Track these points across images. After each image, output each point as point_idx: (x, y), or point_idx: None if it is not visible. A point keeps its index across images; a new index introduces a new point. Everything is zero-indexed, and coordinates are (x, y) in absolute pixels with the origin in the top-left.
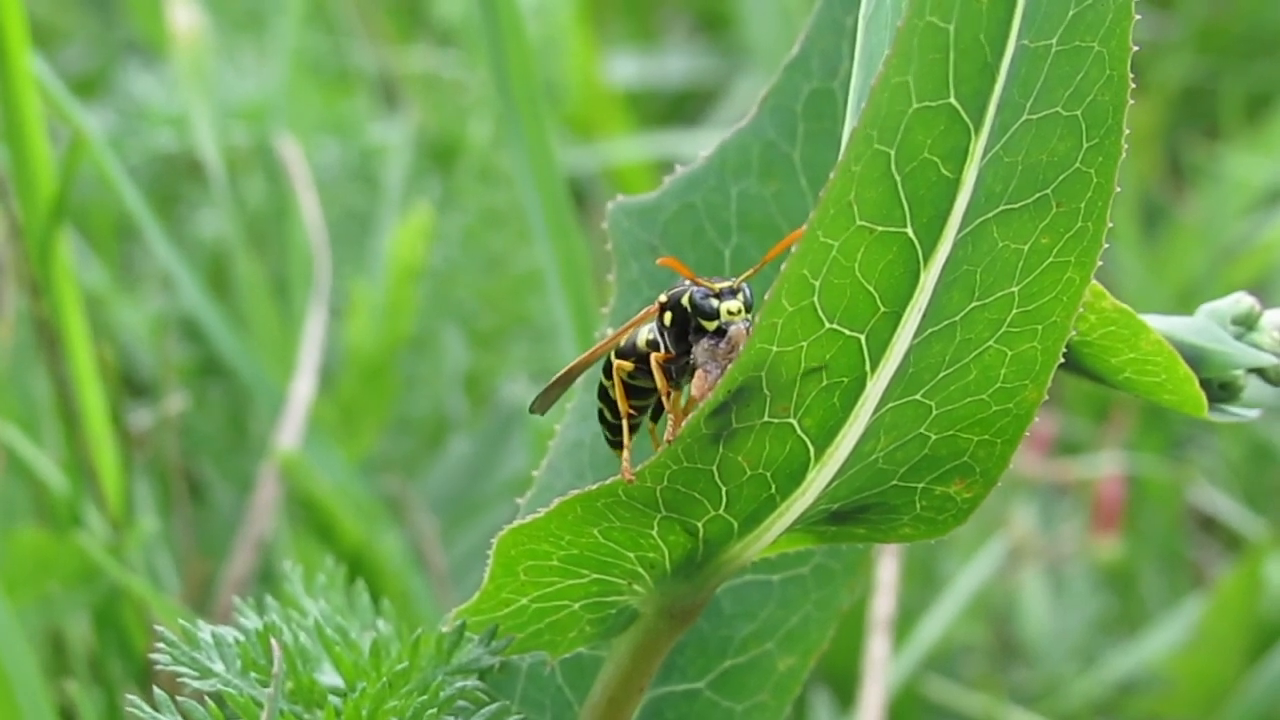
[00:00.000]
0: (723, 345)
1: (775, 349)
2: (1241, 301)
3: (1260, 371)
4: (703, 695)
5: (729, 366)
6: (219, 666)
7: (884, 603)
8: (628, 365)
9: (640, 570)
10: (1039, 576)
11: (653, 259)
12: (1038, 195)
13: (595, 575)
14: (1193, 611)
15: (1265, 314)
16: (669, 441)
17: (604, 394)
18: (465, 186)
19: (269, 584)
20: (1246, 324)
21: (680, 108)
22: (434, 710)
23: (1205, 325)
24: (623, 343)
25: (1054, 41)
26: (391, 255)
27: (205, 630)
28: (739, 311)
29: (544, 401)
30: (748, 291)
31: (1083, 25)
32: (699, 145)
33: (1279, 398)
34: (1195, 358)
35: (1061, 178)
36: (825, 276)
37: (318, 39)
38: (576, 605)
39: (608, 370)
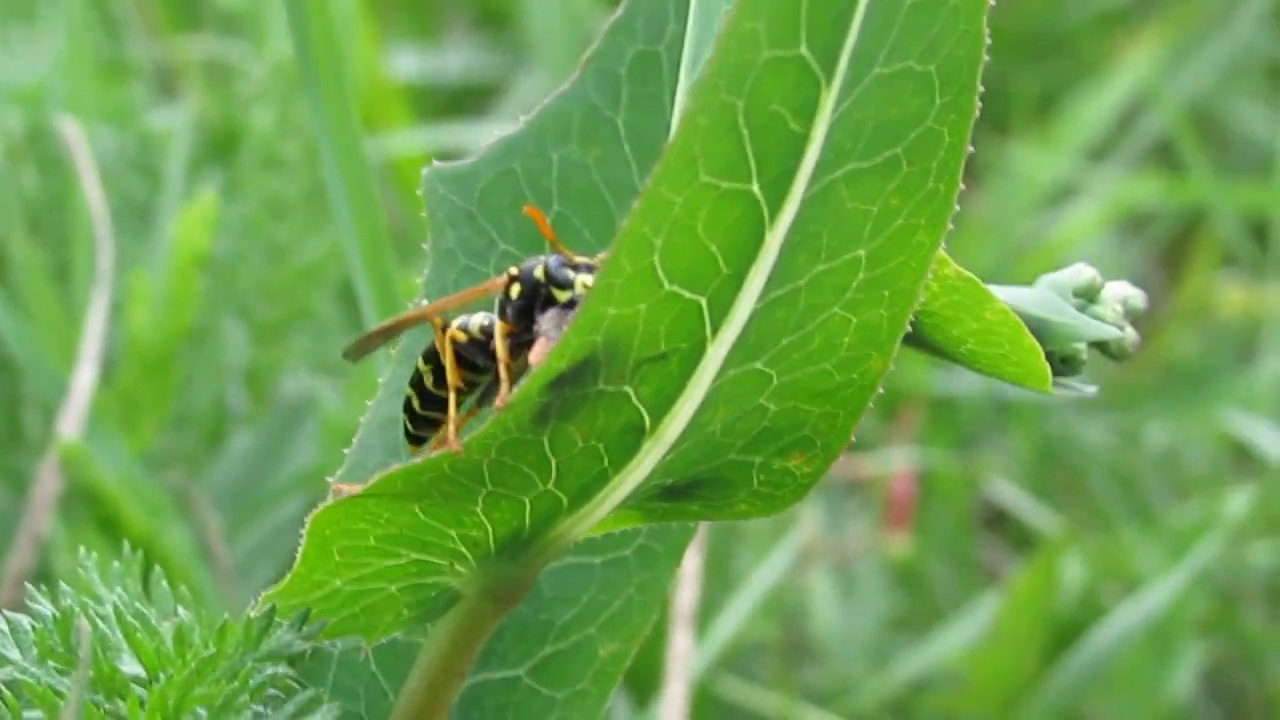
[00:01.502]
0: (571, 315)
1: (613, 311)
2: (1083, 273)
3: (1101, 345)
4: (522, 683)
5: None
6: (14, 654)
7: (686, 596)
8: (462, 336)
9: (463, 550)
10: (828, 575)
11: (469, 227)
12: (888, 154)
13: (414, 555)
14: (986, 608)
15: (1106, 286)
16: (499, 409)
17: (417, 380)
18: (247, 175)
19: (49, 582)
20: (1088, 296)
21: (461, 103)
22: (245, 697)
23: (1047, 296)
24: (452, 317)
25: None
26: (175, 242)
27: None
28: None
29: (359, 349)
30: None
31: None
32: (479, 138)
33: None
34: (1038, 330)
35: (913, 136)
36: (667, 235)
37: (93, 26)
38: (394, 587)
39: (427, 355)
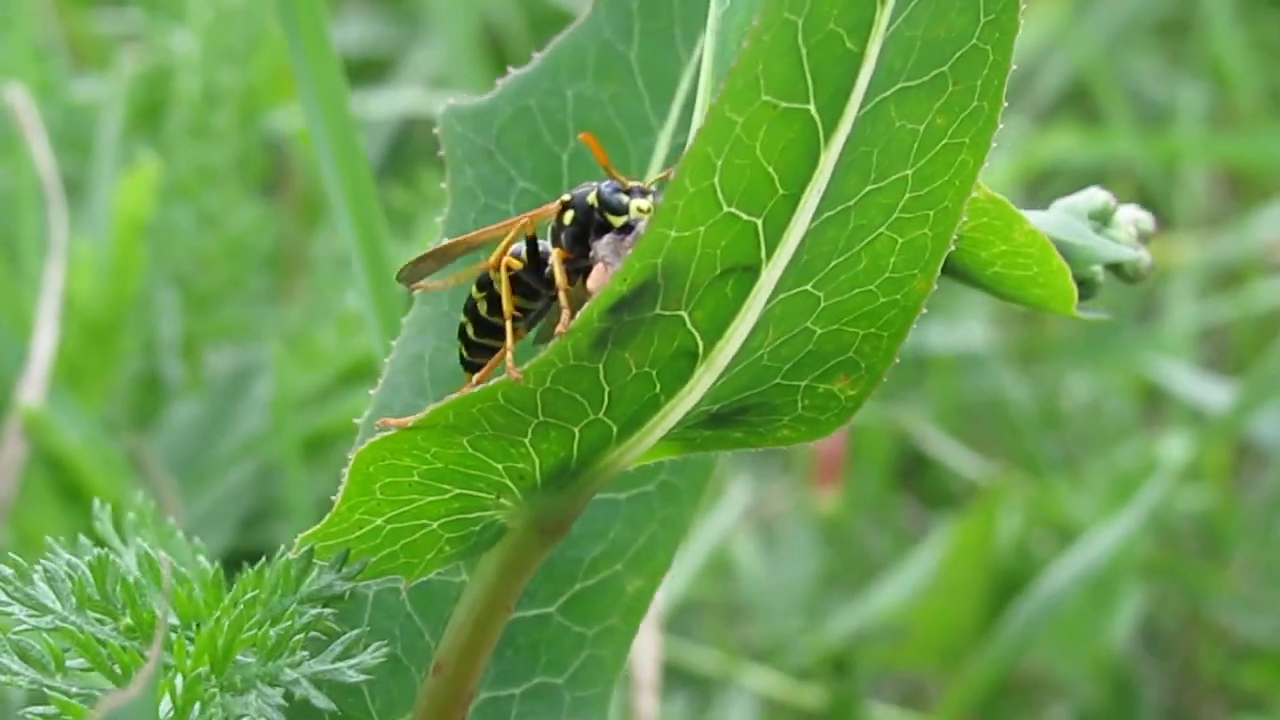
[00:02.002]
0: (629, 239)
1: (673, 234)
2: (1096, 197)
3: (1116, 268)
4: (554, 620)
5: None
6: (54, 603)
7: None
8: (516, 263)
9: (508, 482)
10: (756, 534)
11: (488, 164)
12: (935, 73)
13: (458, 490)
14: (921, 562)
15: (1120, 209)
16: (560, 335)
17: (471, 307)
18: (176, 142)
19: (22, 551)
20: (1103, 219)
21: (359, 75)
22: (298, 638)
23: (1065, 219)
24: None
25: None
26: (117, 211)
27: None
28: (648, 210)
29: (414, 272)
30: (658, 194)
31: None
32: (380, 108)
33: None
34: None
35: (958, 54)
36: (727, 156)
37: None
38: (436, 524)
39: (481, 283)
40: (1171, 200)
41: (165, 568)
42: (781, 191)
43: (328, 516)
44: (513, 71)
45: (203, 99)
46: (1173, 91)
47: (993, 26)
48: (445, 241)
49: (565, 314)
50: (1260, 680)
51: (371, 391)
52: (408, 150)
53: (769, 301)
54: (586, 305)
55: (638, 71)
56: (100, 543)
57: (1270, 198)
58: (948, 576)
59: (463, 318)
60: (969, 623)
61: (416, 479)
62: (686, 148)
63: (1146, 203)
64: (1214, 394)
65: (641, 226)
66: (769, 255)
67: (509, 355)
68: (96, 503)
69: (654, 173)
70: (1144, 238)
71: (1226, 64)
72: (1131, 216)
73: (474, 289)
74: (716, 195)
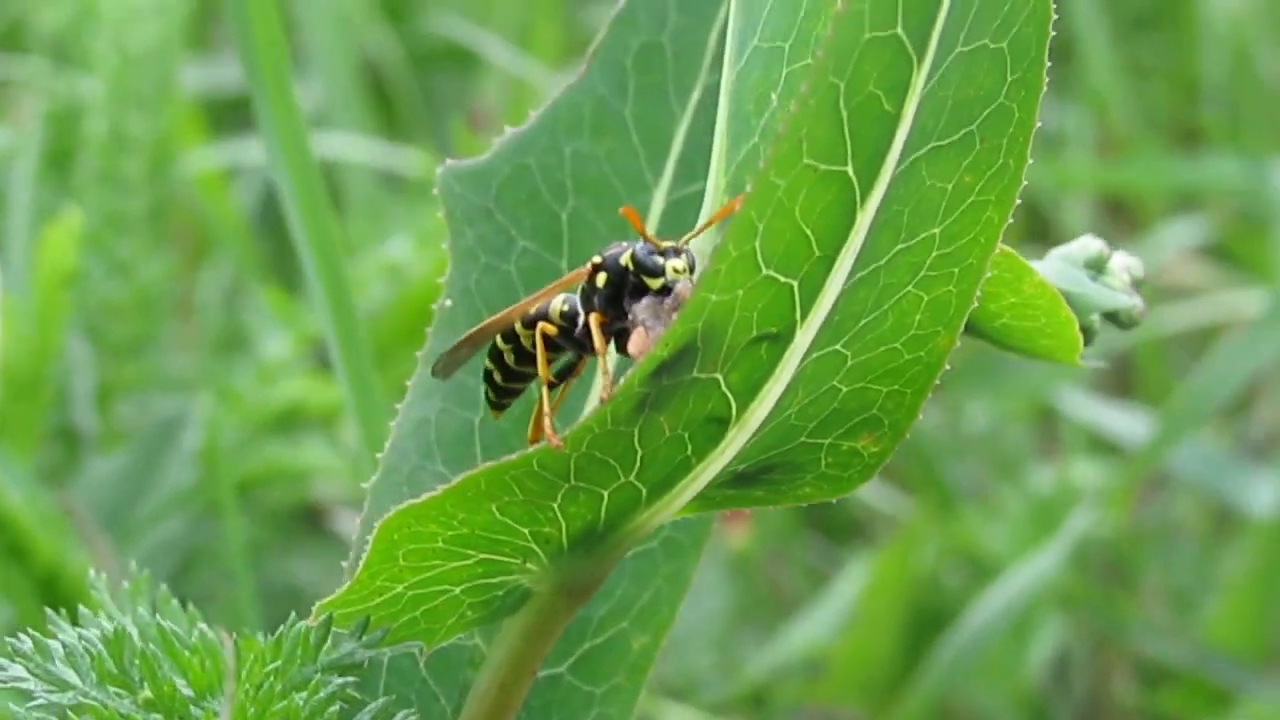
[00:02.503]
0: (668, 302)
1: (714, 298)
2: (1090, 245)
3: (1112, 315)
4: (564, 680)
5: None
6: (74, 678)
7: None
8: (553, 329)
9: (534, 547)
10: None
11: (488, 224)
12: (964, 131)
13: (482, 555)
14: (838, 595)
15: (1113, 257)
16: (603, 401)
17: (497, 356)
18: (85, 190)
19: None
20: (1097, 267)
21: (236, 115)
22: (334, 709)
23: (1064, 268)
24: (533, 310)
25: None
26: (41, 261)
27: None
28: (684, 270)
29: (449, 364)
30: (691, 253)
31: None
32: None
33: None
34: None
35: (986, 113)
36: (769, 220)
37: None
38: (458, 589)
39: (507, 336)
40: (1061, 225)
41: (227, 643)
42: (818, 253)
43: (347, 584)
44: (510, 130)
45: (112, 146)
46: (1058, 118)
47: (1019, 85)
48: (476, 327)
49: (606, 379)
50: (1175, 704)
51: (379, 455)
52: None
53: (801, 362)
54: (629, 370)
55: (633, 128)
56: (100, 611)
57: (1151, 221)
58: (866, 610)
59: (488, 364)
60: (888, 656)
61: (441, 545)
62: (737, 210)
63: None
64: (1116, 420)
65: (680, 287)
66: (804, 317)
67: (546, 421)
68: (92, 572)
69: (651, 229)
70: (1136, 284)
71: (1103, 89)
72: (1123, 263)
73: (499, 340)
74: (756, 258)
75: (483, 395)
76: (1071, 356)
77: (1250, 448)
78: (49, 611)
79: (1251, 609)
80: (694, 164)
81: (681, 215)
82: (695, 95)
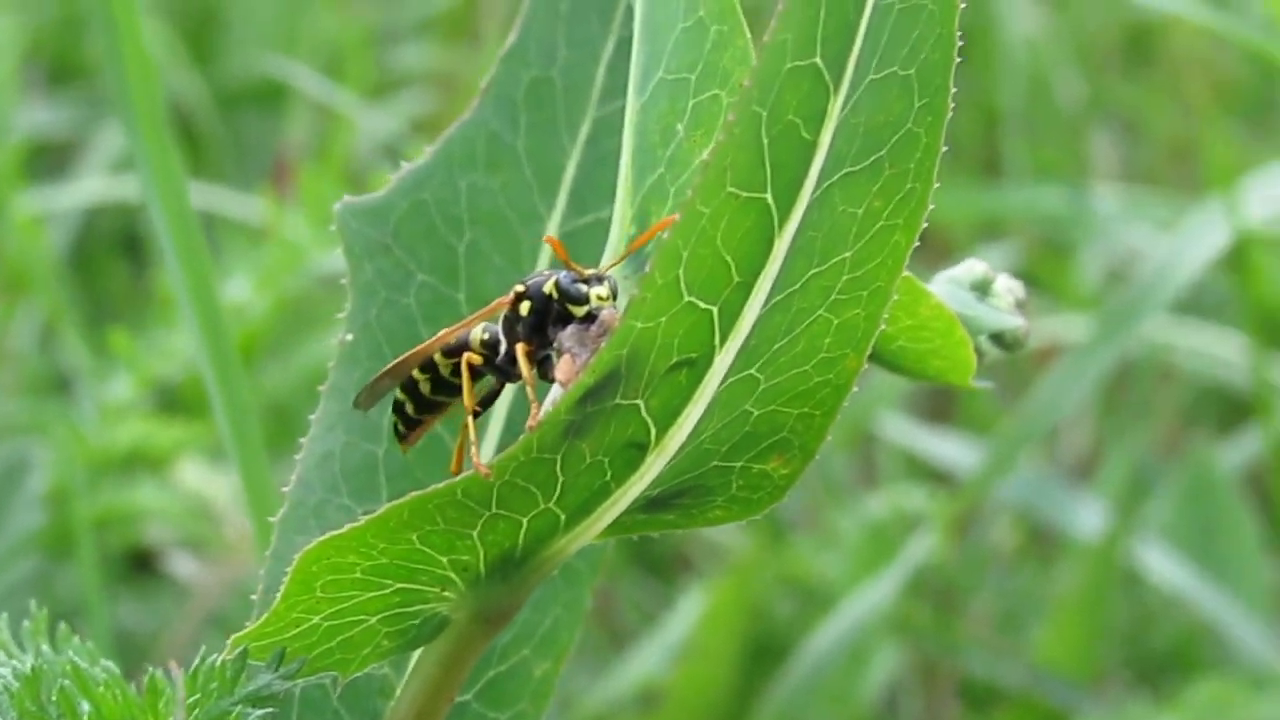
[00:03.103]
0: (593, 329)
1: (639, 325)
2: (975, 268)
3: (998, 336)
4: (471, 707)
5: (599, 349)
6: None
7: None
8: (478, 359)
9: (452, 575)
10: None
11: (386, 259)
12: (874, 158)
13: (399, 585)
14: (673, 629)
15: (998, 279)
16: (530, 429)
17: (411, 387)
18: None
19: None
20: (982, 290)
21: (41, 161)
22: None
23: (952, 290)
24: (453, 340)
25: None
26: None
27: None
28: (608, 297)
29: (370, 396)
30: (613, 280)
31: None
32: (67, 199)
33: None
34: None
35: (895, 139)
36: (693, 247)
37: None
38: (374, 619)
39: (424, 366)
40: None
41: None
42: (737, 279)
43: (263, 617)
44: (406, 165)
45: None
46: None
47: (925, 110)
48: (397, 359)
49: (535, 407)
50: None
51: (284, 489)
52: (96, 238)
53: (718, 387)
54: (559, 398)
55: (525, 161)
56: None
57: (958, 249)
58: (701, 641)
59: (400, 395)
60: (724, 687)
61: (359, 575)
62: (663, 239)
63: None
64: (937, 446)
65: (605, 314)
66: (722, 342)
67: (475, 450)
68: None
69: (543, 261)
70: (1020, 305)
71: None
72: (1007, 285)
73: (415, 371)
74: (680, 285)
75: (389, 427)
76: (964, 378)
77: (1063, 471)
78: None
79: (1080, 630)
80: (584, 197)
81: (574, 246)
82: (585, 129)
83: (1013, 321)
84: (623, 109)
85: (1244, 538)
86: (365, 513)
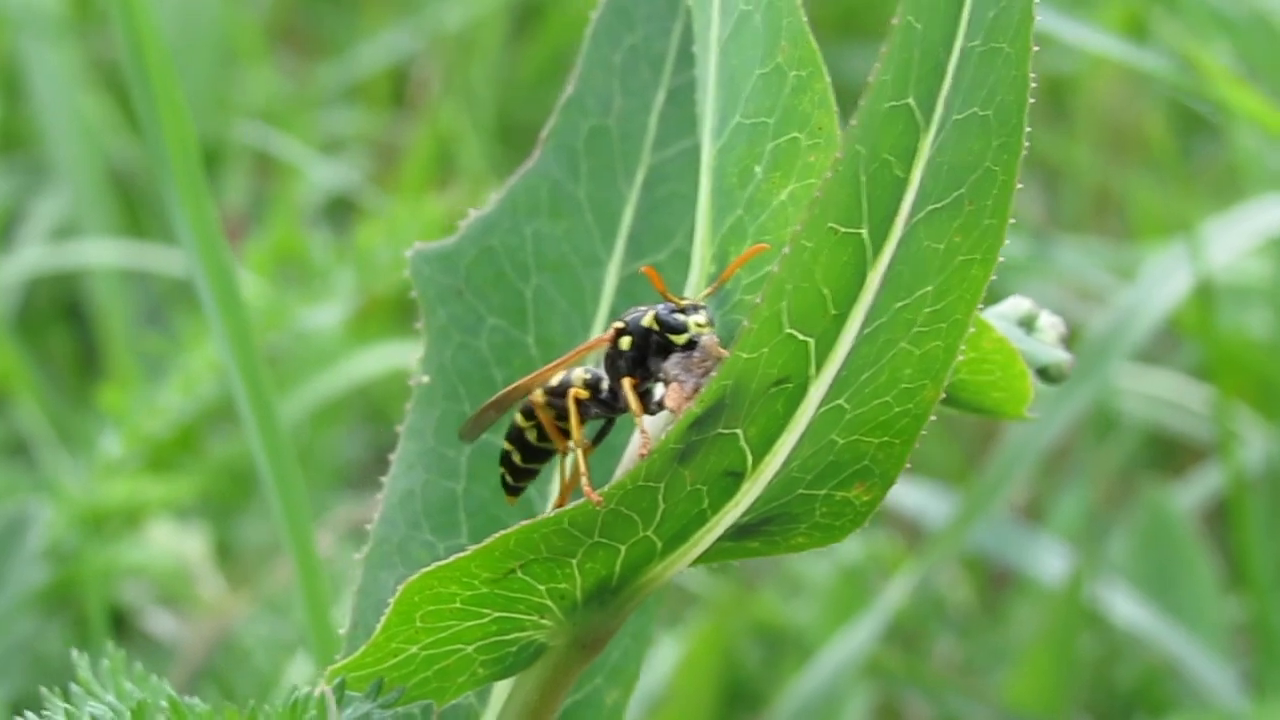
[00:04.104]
0: (695, 355)
1: (744, 355)
2: (1021, 305)
3: (1043, 370)
4: None
5: (706, 377)
6: None
7: None
8: (585, 394)
9: (549, 603)
10: None
11: (459, 304)
12: (955, 194)
13: (498, 614)
14: (650, 675)
15: (1041, 314)
16: (642, 456)
17: (517, 436)
18: None
19: None
20: (1028, 325)
21: None
22: None
23: (1004, 326)
24: (555, 381)
25: (978, 42)
26: None
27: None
28: (706, 324)
29: (474, 428)
30: (709, 308)
31: (998, 27)
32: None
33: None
34: None
35: (974, 176)
36: (796, 280)
37: None
38: (471, 648)
39: (527, 414)
40: None
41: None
42: (833, 311)
43: (363, 647)
44: (473, 213)
45: None
46: None
47: (1002, 149)
48: (500, 392)
49: (644, 437)
50: None
51: (368, 527)
52: (38, 306)
53: (812, 417)
54: (671, 426)
55: (586, 207)
56: (90, 690)
57: None
58: (679, 688)
59: (507, 445)
60: None
61: (458, 605)
62: (773, 272)
63: None
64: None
65: (706, 340)
66: (818, 372)
67: (585, 480)
68: (75, 652)
69: (605, 303)
70: (1063, 340)
71: None
72: (1050, 321)
73: (519, 418)
74: (781, 318)
75: (499, 480)
76: (1020, 409)
77: (1016, 513)
78: (43, 690)
79: (1047, 672)
80: (641, 241)
81: (634, 289)
82: (640, 175)
83: (1059, 355)
84: (674, 156)
85: (1202, 577)
86: (447, 548)
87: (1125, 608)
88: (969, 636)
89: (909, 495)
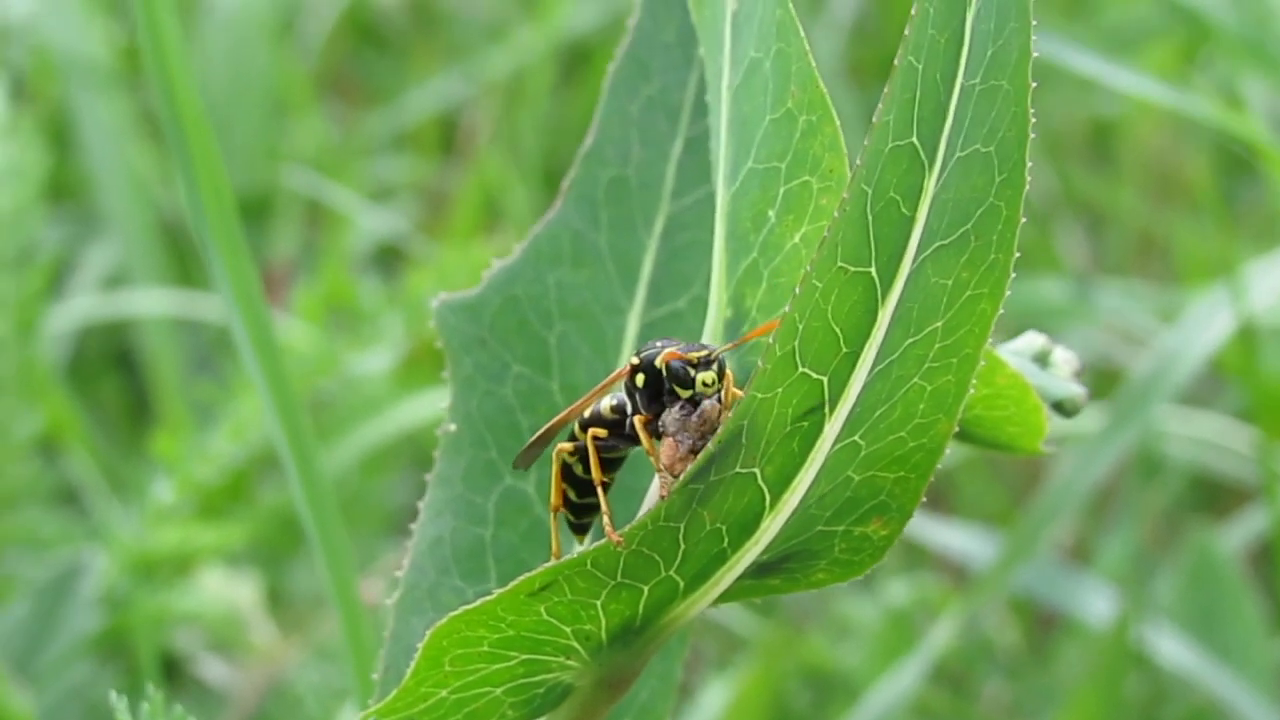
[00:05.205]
0: (694, 418)
1: (759, 395)
2: (1035, 341)
3: (1058, 405)
4: None
5: (703, 440)
6: None
7: None
8: (602, 431)
9: (575, 644)
10: None
11: (484, 353)
12: (961, 231)
13: (525, 656)
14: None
15: (1055, 350)
16: (663, 497)
17: (568, 472)
18: None
19: None
20: (1043, 361)
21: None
22: None
23: (1019, 362)
24: (586, 414)
25: (977, 80)
26: None
27: None
28: (713, 383)
29: (527, 458)
30: (723, 360)
31: (996, 64)
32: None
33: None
34: None
35: (979, 212)
36: (807, 320)
37: None
38: (499, 690)
39: (575, 450)
40: None
41: None
42: (845, 349)
43: (393, 693)
44: (497, 263)
45: None
46: None
47: (1005, 184)
48: (544, 428)
49: (662, 477)
50: None
51: (398, 573)
52: (88, 355)
53: (828, 454)
54: (687, 469)
55: (607, 257)
56: None
57: None
58: None
59: (562, 485)
60: None
61: (486, 649)
62: (785, 312)
63: None
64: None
65: (706, 404)
66: (831, 410)
67: (606, 519)
68: (113, 694)
69: (626, 350)
70: (1077, 375)
71: None
72: (1064, 357)
73: (566, 455)
74: (795, 357)
75: (561, 522)
76: (1035, 444)
77: (1062, 555)
78: None
79: (1093, 714)
80: (661, 288)
81: (654, 336)
82: (659, 224)
83: (1074, 389)
84: (692, 204)
85: (1247, 618)
86: (476, 594)
87: (1171, 649)
88: (1016, 678)
89: (954, 537)
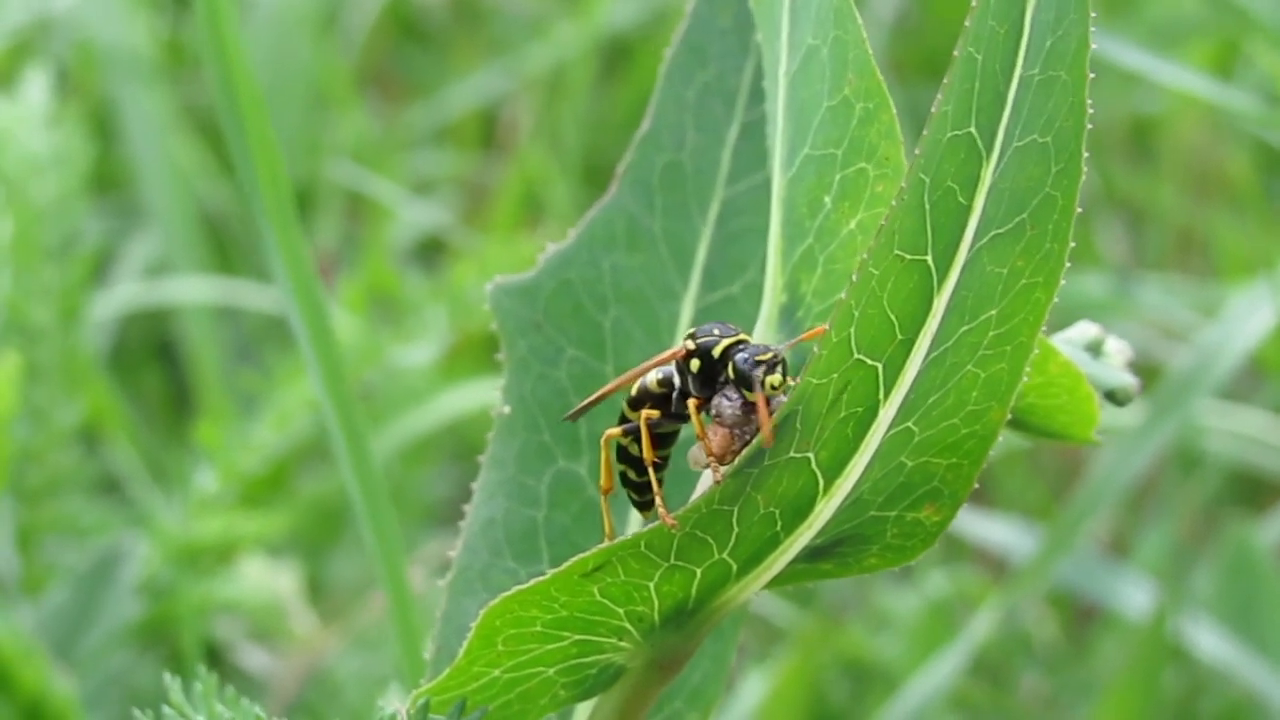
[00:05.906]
0: (754, 418)
1: (814, 381)
2: (1088, 330)
3: (1110, 394)
4: None
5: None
6: None
7: None
8: (655, 413)
9: (628, 626)
10: None
11: (538, 336)
12: (1017, 220)
13: (577, 636)
14: (738, 709)
15: (1108, 339)
16: (718, 483)
17: (624, 453)
18: None
19: None
20: (1095, 350)
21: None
22: None
23: (1071, 351)
24: (634, 392)
25: (1036, 71)
26: None
27: None
28: (780, 385)
29: (579, 414)
30: (785, 360)
31: (1055, 55)
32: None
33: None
34: None
35: (1035, 201)
36: (864, 307)
37: None
38: (552, 670)
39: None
40: None
41: None
42: (900, 337)
43: (446, 671)
44: (551, 247)
45: (20, 297)
46: None
47: (1062, 174)
48: (598, 393)
49: (713, 461)
50: None
51: (451, 553)
52: (130, 345)
53: (882, 439)
54: (739, 456)
55: (661, 241)
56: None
57: None
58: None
59: (622, 466)
60: None
61: (539, 629)
62: (841, 299)
63: None
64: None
65: (776, 403)
66: (886, 397)
67: (658, 501)
68: (167, 676)
69: (680, 334)
70: (1130, 365)
71: None
72: (1117, 346)
73: (620, 438)
74: (850, 344)
75: (626, 502)
76: (1087, 433)
77: (1101, 549)
78: (136, 713)
79: (1133, 707)
80: (715, 274)
81: (707, 321)
82: (714, 209)
83: (1126, 379)
84: (747, 190)
85: None
86: (529, 575)
87: (1209, 642)
88: (1054, 671)
89: (994, 530)
